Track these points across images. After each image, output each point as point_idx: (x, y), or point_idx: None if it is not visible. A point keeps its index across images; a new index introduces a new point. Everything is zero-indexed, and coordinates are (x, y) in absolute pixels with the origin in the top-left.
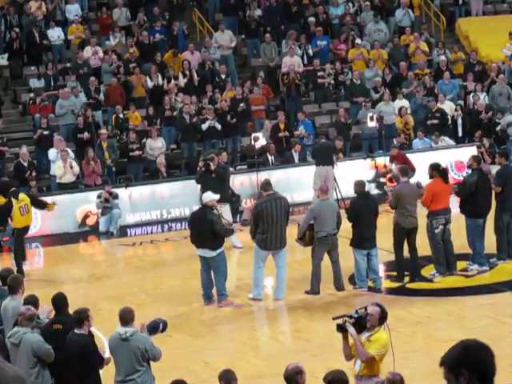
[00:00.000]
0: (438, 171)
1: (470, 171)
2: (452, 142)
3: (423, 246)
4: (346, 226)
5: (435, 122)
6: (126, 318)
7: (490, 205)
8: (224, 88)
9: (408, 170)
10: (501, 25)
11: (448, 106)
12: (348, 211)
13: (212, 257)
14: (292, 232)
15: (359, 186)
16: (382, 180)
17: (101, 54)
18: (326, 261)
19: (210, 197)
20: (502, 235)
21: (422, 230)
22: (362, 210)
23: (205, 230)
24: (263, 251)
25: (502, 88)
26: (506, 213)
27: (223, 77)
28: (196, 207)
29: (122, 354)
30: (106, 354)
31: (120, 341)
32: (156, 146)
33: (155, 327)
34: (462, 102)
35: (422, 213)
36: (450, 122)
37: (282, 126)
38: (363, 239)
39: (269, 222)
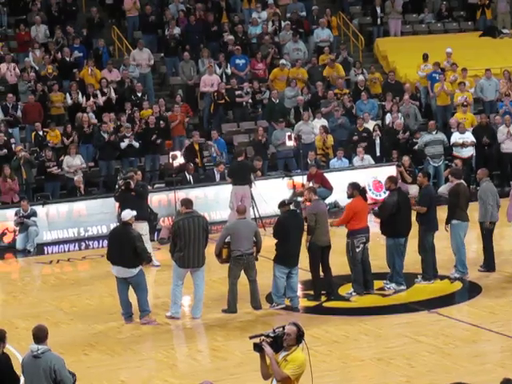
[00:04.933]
0: (357, 190)
1: (388, 192)
2: (373, 162)
3: (338, 265)
4: (265, 245)
5: (363, 144)
6: (40, 335)
7: (411, 224)
8: (141, 106)
9: (315, 189)
10: (419, 45)
11: (371, 126)
12: (275, 228)
13: (133, 275)
14: (211, 250)
15: (284, 204)
16: (300, 199)
17: (17, 71)
18: (244, 279)
19: (130, 214)
20: (427, 255)
21: (336, 248)
22: (290, 227)
23: (126, 247)
24: (181, 269)
25: (409, 108)
26: (430, 233)
27: (139, 95)
28: (113, 225)
29: (34, 372)
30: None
31: (32, 358)
32: (74, 163)
33: None
34: (380, 122)
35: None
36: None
37: (196, 147)
38: (288, 257)
39: (186, 240)
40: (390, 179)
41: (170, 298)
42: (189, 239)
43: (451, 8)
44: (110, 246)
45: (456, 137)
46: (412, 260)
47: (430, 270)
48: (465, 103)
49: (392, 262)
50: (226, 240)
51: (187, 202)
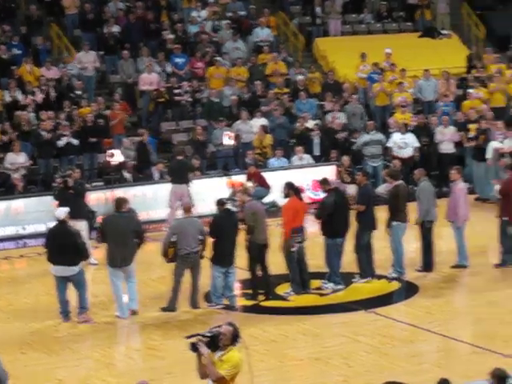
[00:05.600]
0: (293, 190)
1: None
2: (312, 161)
3: (276, 264)
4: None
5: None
6: None
7: (349, 224)
8: (80, 104)
9: (249, 190)
10: (358, 45)
11: (311, 125)
12: (211, 227)
13: (75, 273)
14: (150, 249)
15: (220, 203)
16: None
17: None
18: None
19: (63, 211)
20: (363, 254)
21: (274, 247)
22: (225, 226)
23: (67, 246)
24: (111, 268)
25: (355, 108)
26: (366, 232)
27: (78, 93)
28: (51, 224)
29: None
30: None
31: None
32: (18, 160)
33: None
34: (319, 122)
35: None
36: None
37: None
38: (224, 256)
39: (113, 239)
40: (323, 181)
41: (114, 298)
42: (116, 238)
43: (391, 8)
44: (49, 247)
45: (397, 137)
46: (350, 260)
47: (366, 268)
48: (403, 103)
49: (330, 262)
50: (172, 239)
51: (122, 202)
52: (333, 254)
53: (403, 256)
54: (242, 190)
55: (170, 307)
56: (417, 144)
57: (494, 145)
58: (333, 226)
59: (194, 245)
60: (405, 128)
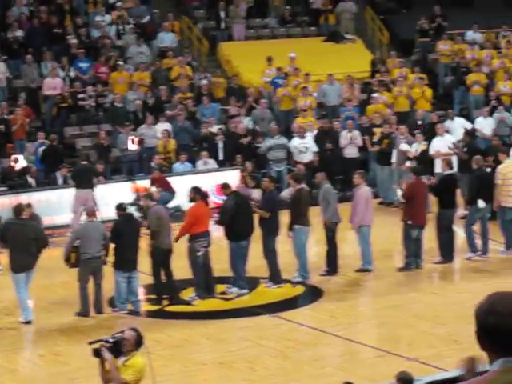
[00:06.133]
0: (199, 194)
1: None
2: (216, 166)
3: (180, 269)
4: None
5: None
6: None
7: (252, 227)
8: None
9: (152, 194)
10: (262, 50)
11: (215, 130)
12: (111, 232)
13: None
14: (54, 254)
15: (120, 208)
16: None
17: None
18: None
19: None
20: (272, 259)
21: (179, 252)
22: (125, 231)
23: None
24: (14, 274)
25: (264, 113)
26: (272, 237)
27: None
28: None
29: None
30: None
31: None
32: None
33: None
34: (223, 126)
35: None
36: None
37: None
38: (125, 261)
39: (13, 245)
40: (223, 187)
41: (19, 304)
42: (16, 243)
43: (295, 13)
44: None
45: (296, 142)
46: (256, 264)
47: (277, 273)
48: (304, 108)
49: (234, 266)
50: (75, 244)
51: (19, 209)
52: (237, 258)
53: (307, 260)
54: (145, 195)
55: (83, 312)
56: (315, 149)
57: (402, 147)
58: (236, 229)
59: (97, 249)
60: (304, 132)
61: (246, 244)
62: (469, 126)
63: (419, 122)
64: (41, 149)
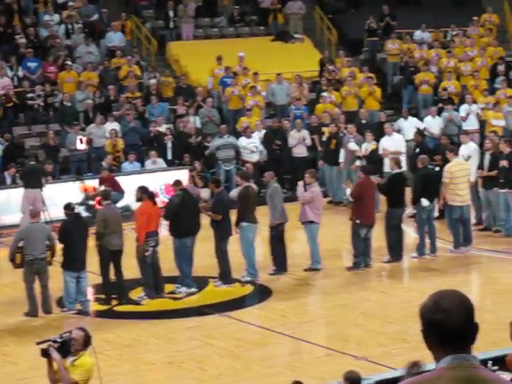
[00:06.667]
0: (146, 194)
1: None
2: (165, 165)
3: (129, 268)
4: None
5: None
6: None
7: (197, 225)
8: None
9: (109, 193)
10: (211, 49)
11: (164, 130)
12: (59, 232)
13: None
14: (1, 254)
15: (68, 207)
16: (92, 202)
17: None
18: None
19: None
20: (223, 259)
21: (128, 252)
22: (73, 231)
23: None
24: None
25: (209, 112)
26: (224, 238)
27: None
28: None
29: None
30: None
31: None
32: None
33: None
34: (171, 126)
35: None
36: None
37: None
38: (74, 261)
39: None
40: (175, 184)
41: None
42: None
43: (243, 12)
44: None
45: (244, 141)
46: (205, 263)
47: (228, 273)
48: (248, 107)
49: (180, 265)
50: (20, 244)
51: None
52: (182, 257)
53: (255, 258)
54: (101, 194)
55: (31, 312)
56: (261, 148)
57: (350, 147)
58: (180, 226)
59: (41, 251)
60: (251, 132)
61: (190, 243)
62: (422, 125)
63: (363, 121)
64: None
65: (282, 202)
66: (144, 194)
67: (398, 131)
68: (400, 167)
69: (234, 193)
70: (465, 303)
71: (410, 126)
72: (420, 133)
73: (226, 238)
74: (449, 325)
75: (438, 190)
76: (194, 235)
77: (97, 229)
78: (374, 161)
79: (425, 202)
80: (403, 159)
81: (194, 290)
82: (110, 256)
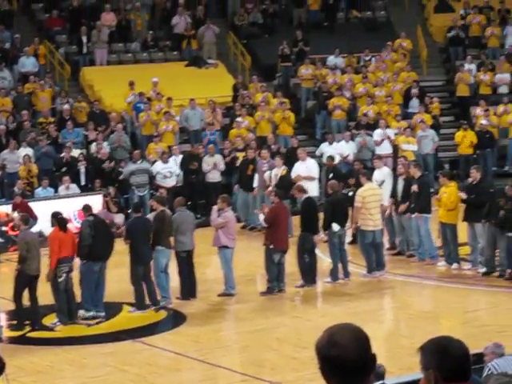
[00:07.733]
0: (56, 219)
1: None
2: (78, 190)
3: (44, 294)
4: None
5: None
6: None
7: (108, 250)
8: None
9: (29, 218)
10: (125, 74)
11: (76, 155)
12: None
13: None
14: None
15: None
16: (4, 228)
17: None
18: None
19: None
20: (139, 286)
21: (41, 277)
22: None
23: None
24: None
25: (120, 138)
26: (140, 265)
27: None
28: None
29: None
30: None
31: None
32: None
33: None
34: (84, 151)
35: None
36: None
37: None
38: None
39: None
40: (84, 209)
41: None
42: None
43: (157, 38)
44: None
45: (159, 167)
46: (119, 289)
47: (143, 300)
48: (155, 134)
49: (83, 290)
50: None
51: None
52: (85, 280)
53: (168, 283)
54: (21, 217)
55: None
56: (178, 172)
57: (265, 175)
58: (92, 251)
59: None
60: (166, 158)
61: (97, 268)
62: (346, 152)
63: (272, 147)
64: None
65: (189, 229)
66: (53, 219)
67: (321, 156)
68: (305, 193)
69: (149, 217)
70: (359, 335)
71: (333, 151)
72: (332, 158)
73: (142, 263)
74: (346, 359)
75: (347, 214)
76: (104, 261)
77: (20, 252)
78: (284, 186)
79: (335, 226)
80: (316, 184)
81: (91, 314)
82: (28, 281)
